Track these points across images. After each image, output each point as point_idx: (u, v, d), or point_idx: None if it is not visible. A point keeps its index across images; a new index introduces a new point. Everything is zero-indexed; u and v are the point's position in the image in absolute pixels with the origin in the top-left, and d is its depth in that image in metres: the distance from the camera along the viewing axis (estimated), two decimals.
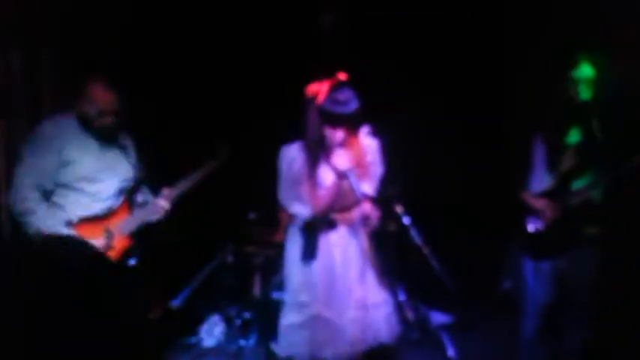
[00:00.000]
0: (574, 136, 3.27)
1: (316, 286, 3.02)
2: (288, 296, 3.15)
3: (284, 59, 4.68)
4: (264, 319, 4.11)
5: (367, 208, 2.95)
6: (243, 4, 4.61)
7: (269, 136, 3.81)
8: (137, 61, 4.07)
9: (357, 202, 3.02)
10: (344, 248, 3.06)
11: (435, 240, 3.95)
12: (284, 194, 3.09)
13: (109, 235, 3.11)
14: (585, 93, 3.19)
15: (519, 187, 3.42)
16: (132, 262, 3.21)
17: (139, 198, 3.37)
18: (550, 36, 4.22)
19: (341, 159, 2.99)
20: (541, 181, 3.35)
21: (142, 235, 3.25)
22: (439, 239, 3.98)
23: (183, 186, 3.34)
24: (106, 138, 3.18)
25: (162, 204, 3.26)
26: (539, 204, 3.28)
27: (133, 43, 4.13)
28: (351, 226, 3.08)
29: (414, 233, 3.90)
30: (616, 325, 3.50)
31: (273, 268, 4.20)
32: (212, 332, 4.31)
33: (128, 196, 3.28)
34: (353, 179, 2.94)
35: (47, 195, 3.07)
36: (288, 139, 3.11)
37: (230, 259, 4.33)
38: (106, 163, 3.17)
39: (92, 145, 3.15)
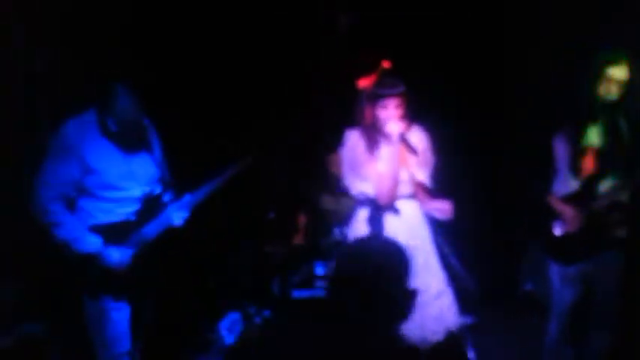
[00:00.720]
0: (598, 138, 3.23)
1: None
2: None
3: (304, 58, 4.69)
4: (284, 317, 4.12)
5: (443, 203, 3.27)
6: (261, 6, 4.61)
7: (292, 137, 3.85)
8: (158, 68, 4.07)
9: (410, 191, 3.30)
10: (409, 234, 3.20)
11: (457, 240, 3.92)
12: (348, 176, 3.33)
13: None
14: (616, 93, 3.14)
15: (541, 189, 3.38)
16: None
17: (166, 198, 3.30)
18: (573, 36, 4.19)
19: (394, 127, 3.21)
20: (564, 183, 3.31)
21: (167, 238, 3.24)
22: (460, 239, 3.95)
23: (204, 192, 3.27)
24: (129, 144, 3.11)
25: (180, 214, 3.21)
26: (566, 210, 3.24)
27: (153, 49, 4.14)
28: (411, 214, 3.32)
29: (436, 233, 3.87)
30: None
31: (292, 267, 4.22)
32: (232, 330, 4.32)
33: (155, 199, 3.23)
34: (408, 144, 3.19)
35: (71, 201, 3.03)
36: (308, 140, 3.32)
37: (250, 257, 4.35)
38: (129, 170, 3.10)
39: (115, 151, 3.08)
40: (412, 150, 3.21)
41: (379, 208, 3.28)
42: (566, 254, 3.29)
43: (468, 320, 4.34)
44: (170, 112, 3.82)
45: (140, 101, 3.02)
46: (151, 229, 3.15)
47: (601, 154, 3.22)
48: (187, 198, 3.23)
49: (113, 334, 3.11)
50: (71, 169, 2.97)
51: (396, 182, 3.25)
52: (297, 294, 4.26)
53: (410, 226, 3.30)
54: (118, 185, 3.06)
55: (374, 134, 3.29)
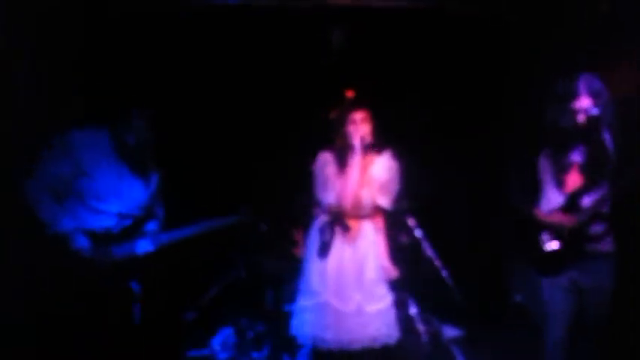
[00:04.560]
0: (578, 155, 3.34)
1: (327, 277, 3.49)
2: (302, 284, 3.59)
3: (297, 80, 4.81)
4: (277, 331, 4.15)
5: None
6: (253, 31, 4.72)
7: (282, 150, 3.94)
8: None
9: (370, 213, 3.56)
10: (354, 250, 3.51)
11: (447, 253, 3.98)
12: (318, 189, 3.58)
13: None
14: (582, 118, 3.26)
15: (527, 203, 3.47)
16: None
17: (149, 227, 3.40)
18: (552, 57, 4.31)
19: (360, 137, 3.46)
20: (550, 199, 3.40)
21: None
22: (451, 252, 4.01)
23: (178, 235, 3.43)
24: (132, 164, 3.25)
25: (145, 246, 3.31)
26: (556, 217, 3.33)
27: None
28: (363, 233, 3.54)
29: (426, 246, 3.93)
30: (631, 335, 3.56)
31: (285, 280, 4.25)
32: (225, 345, 4.34)
33: (133, 223, 3.30)
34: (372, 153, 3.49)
35: (61, 199, 3.13)
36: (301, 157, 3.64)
37: (243, 271, 4.38)
38: (119, 186, 3.21)
39: (112, 165, 3.21)
40: (375, 155, 3.51)
41: (336, 220, 3.53)
42: (552, 266, 3.36)
43: (458, 333, 4.41)
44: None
45: (154, 131, 3.24)
46: (119, 250, 3.22)
47: (582, 170, 3.33)
48: (161, 237, 3.38)
49: None
50: (63, 167, 3.10)
51: (356, 191, 3.47)
52: (290, 308, 4.29)
53: (356, 243, 3.52)
54: (101, 195, 3.17)
55: (344, 153, 3.52)
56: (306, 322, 3.49)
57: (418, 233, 3.93)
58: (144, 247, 3.31)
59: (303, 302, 3.54)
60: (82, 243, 3.10)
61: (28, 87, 3.72)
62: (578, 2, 4.14)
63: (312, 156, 3.64)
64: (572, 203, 3.32)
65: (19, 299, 3.31)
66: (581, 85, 3.28)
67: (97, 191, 3.15)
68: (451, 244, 4.09)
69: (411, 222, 3.94)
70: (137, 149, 3.23)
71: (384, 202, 3.54)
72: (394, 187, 3.56)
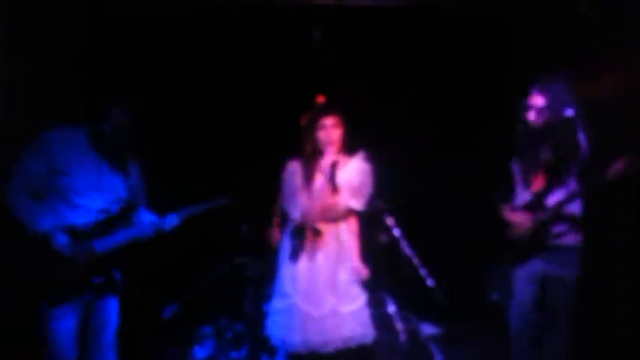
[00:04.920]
0: (547, 154, 3.44)
1: (299, 280, 3.49)
2: (275, 286, 3.61)
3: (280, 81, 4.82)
4: (256, 331, 4.15)
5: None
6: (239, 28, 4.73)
7: (264, 152, 3.95)
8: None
9: (343, 215, 3.55)
10: (326, 253, 3.50)
11: (425, 251, 4.02)
12: (285, 201, 3.60)
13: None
14: (537, 118, 3.38)
15: (502, 201, 3.61)
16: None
17: (145, 218, 3.39)
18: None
19: (328, 159, 3.47)
20: (519, 197, 3.53)
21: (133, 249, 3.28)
22: (429, 250, 4.05)
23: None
24: (111, 158, 3.23)
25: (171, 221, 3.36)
26: (516, 217, 3.49)
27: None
28: (335, 235, 3.53)
29: (404, 245, 3.96)
30: (595, 327, 3.75)
31: (265, 280, 4.25)
32: (204, 344, 4.33)
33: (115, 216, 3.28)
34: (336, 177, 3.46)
35: (40, 198, 3.10)
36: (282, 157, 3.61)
37: (223, 271, 4.38)
38: (97, 181, 3.19)
39: (90, 161, 3.18)
40: (339, 184, 3.47)
41: (303, 230, 3.52)
42: (517, 258, 3.50)
43: (437, 331, 4.44)
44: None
45: (133, 123, 3.18)
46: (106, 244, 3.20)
47: (547, 171, 3.44)
48: (186, 210, 3.40)
49: (56, 346, 3.08)
50: (38, 165, 3.08)
51: (326, 198, 3.47)
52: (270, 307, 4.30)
53: (328, 247, 3.51)
54: (80, 191, 3.14)
55: (312, 163, 3.52)
56: (277, 324, 3.52)
57: (397, 232, 3.96)
58: (171, 221, 3.34)
59: (275, 304, 3.57)
60: (62, 241, 3.06)
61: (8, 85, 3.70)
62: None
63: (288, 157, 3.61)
64: (537, 202, 3.44)
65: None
66: (537, 84, 3.40)
67: (76, 188, 3.12)
68: (429, 242, 4.12)
69: (389, 221, 3.97)
70: (114, 140, 3.18)
71: (357, 204, 3.54)
72: (367, 189, 3.55)
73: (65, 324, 3.08)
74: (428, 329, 4.38)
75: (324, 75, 4.68)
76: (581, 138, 3.36)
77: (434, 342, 4.25)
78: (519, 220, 3.46)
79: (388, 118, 4.69)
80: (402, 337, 4.10)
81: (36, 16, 3.85)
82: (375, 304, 3.71)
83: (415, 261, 3.95)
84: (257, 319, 4.16)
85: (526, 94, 3.44)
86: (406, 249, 3.95)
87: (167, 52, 4.59)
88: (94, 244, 3.14)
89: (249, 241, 4.41)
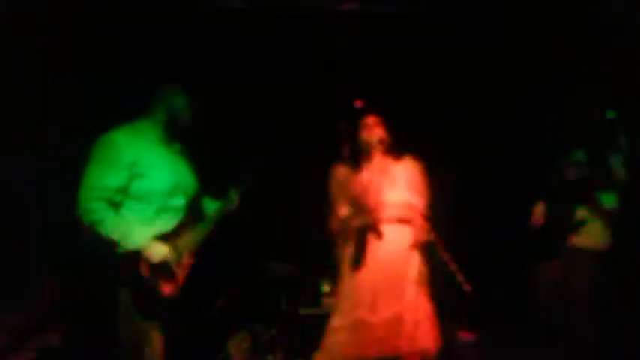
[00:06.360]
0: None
1: (362, 291, 3.26)
2: (338, 301, 3.39)
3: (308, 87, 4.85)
4: (291, 335, 4.17)
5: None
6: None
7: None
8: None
9: (404, 214, 3.35)
10: (390, 257, 3.30)
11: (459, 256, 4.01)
12: (337, 202, 3.41)
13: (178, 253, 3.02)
14: None
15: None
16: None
17: (208, 205, 3.31)
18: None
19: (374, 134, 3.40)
20: None
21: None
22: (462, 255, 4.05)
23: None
24: (180, 151, 3.15)
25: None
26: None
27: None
28: (399, 239, 3.34)
29: (440, 249, 3.95)
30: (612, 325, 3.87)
31: (299, 284, 4.28)
32: (239, 348, 4.36)
33: (191, 211, 3.15)
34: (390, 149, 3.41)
35: (116, 206, 2.91)
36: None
37: (257, 276, 4.41)
38: (177, 176, 3.07)
39: (167, 156, 3.07)
40: (396, 157, 3.42)
41: (363, 235, 3.33)
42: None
43: (472, 337, 4.43)
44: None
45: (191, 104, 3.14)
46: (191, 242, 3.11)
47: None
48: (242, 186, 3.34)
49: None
50: (118, 175, 2.90)
51: (384, 194, 3.33)
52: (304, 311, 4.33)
53: (395, 251, 3.33)
54: (165, 190, 3.00)
55: (360, 165, 3.44)
56: (344, 342, 3.24)
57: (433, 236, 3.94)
58: (233, 198, 3.28)
59: (337, 321, 3.30)
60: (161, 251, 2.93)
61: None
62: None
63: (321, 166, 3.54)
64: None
65: None
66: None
67: (158, 188, 2.96)
68: (464, 248, 4.12)
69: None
70: (181, 124, 3.10)
71: (416, 200, 3.38)
72: (424, 188, 3.44)
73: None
74: (463, 335, 4.37)
75: (349, 81, 4.68)
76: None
77: (469, 347, 4.23)
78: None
79: (424, 123, 4.70)
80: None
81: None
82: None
83: (452, 266, 3.93)
84: (292, 323, 4.19)
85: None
86: (443, 254, 3.93)
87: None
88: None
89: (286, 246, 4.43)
